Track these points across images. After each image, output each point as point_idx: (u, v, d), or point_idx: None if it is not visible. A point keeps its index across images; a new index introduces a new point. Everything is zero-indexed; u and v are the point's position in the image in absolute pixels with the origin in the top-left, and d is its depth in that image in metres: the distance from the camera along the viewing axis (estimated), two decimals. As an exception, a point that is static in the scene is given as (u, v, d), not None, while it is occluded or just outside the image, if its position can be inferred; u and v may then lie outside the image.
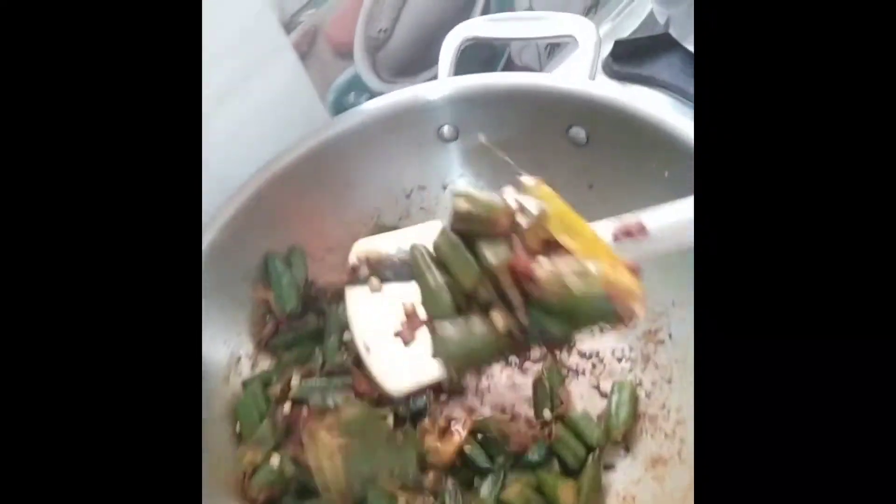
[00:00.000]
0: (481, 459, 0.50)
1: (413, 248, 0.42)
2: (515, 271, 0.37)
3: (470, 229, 0.39)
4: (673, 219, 0.37)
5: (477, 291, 0.38)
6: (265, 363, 0.54)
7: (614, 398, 0.52)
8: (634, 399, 0.52)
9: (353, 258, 0.44)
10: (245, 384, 0.52)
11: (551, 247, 0.38)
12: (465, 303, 0.39)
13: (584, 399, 0.55)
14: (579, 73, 0.53)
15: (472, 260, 0.39)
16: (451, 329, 0.39)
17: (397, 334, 0.40)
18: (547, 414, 0.53)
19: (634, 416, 0.52)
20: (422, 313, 0.40)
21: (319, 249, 0.58)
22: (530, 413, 0.54)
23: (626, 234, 0.37)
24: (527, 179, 0.41)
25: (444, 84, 0.55)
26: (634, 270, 0.38)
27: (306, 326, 0.54)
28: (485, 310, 0.38)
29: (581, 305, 0.36)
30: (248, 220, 0.52)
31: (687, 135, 0.47)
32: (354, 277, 0.43)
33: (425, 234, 0.42)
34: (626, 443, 0.52)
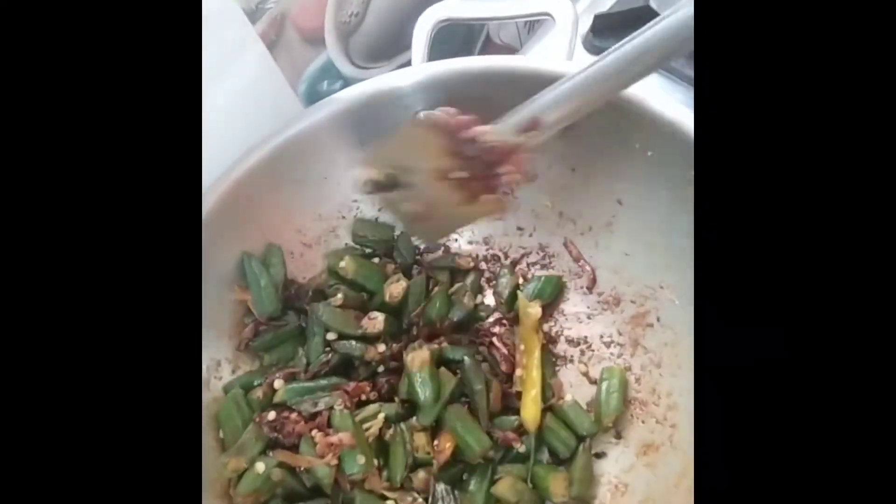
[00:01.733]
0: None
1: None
2: None
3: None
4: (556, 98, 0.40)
5: None
6: (246, 366, 0.53)
7: (604, 385, 0.52)
8: (624, 385, 0.51)
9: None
10: (226, 389, 0.51)
11: None
12: None
13: (573, 387, 0.54)
14: (557, 53, 0.51)
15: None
16: None
17: None
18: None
19: (625, 402, 0.51)
20: None
21: (297, 246, 0.56)
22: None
23: (528, 129, 0.40)
24: None
25: (416, 71, 0.53)
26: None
27: (287, 327, 0.53)
28: None
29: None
30: (221, 220, 0.50)
31: (669, 113, 0.45)
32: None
33: None
34: (617, 429, 0.51)
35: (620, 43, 0.38)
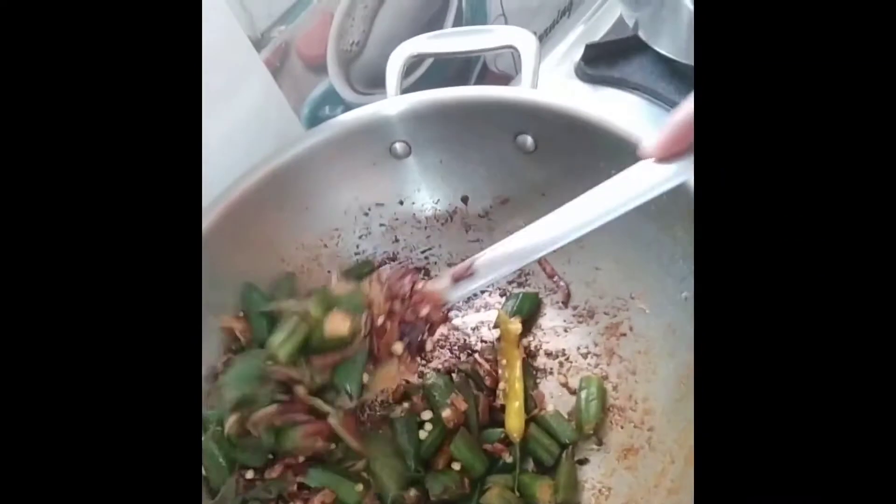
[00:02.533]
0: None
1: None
2: None
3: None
4: (492, 255, 0.43)
5: None
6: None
7: (583, 394, 0.54)
8: (602, 393, 0.54)
9: None
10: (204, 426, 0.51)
11: None
12: None
13: (554, 398, 0.56)
14: (522, 82, 0.55)
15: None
16: None
17: None
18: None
19: (604, 409, 0.53)
20: None
21: (280, 274, 0.59)
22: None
23: (459, 277, 0.43)
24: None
25: (391, 102, 0.57)
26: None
27: None
28: None
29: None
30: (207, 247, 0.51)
31: (629, 131, 0.48)
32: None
33: None
34: (598, 436, 0.53)
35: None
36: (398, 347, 0.43)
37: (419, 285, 0.43)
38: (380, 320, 0.43)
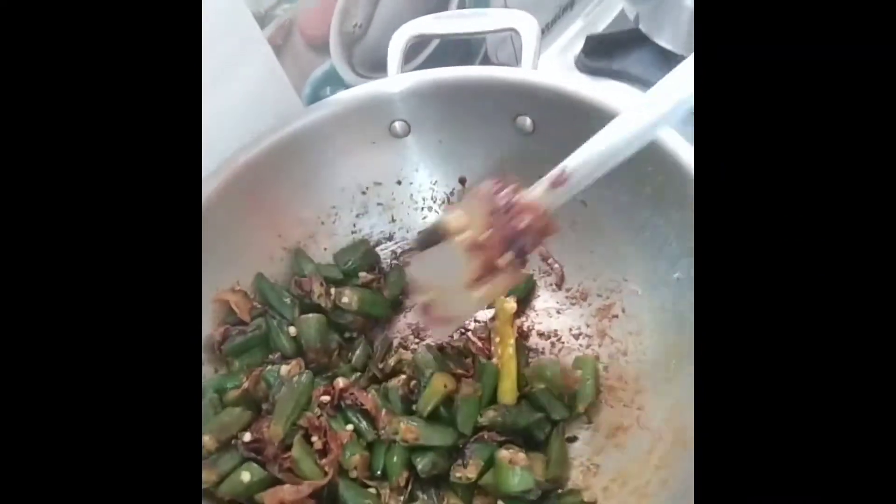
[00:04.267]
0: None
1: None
2: None
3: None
4: (582, 156, 0.41)
5: None
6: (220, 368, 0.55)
7: (578, 373, 0.54)
8: (597, 373, 0.54)
9: None
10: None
11: None
12: None
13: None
14: (523, 65, 0.55)
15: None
16: None
17: None
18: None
19: (597, 389, 0.54)
20: None
21: (277, 249, 0.60)
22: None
23: (556, 184, 0.41)
24: None
25: (392, 81, 0.57)
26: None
27: (256, 332, 0.55)
28: None
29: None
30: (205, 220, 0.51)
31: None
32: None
33: None
34: (588, 415, 0.53)
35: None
36: (506, 258, 0.42)
37: (517, 196, 0.41)
38: (484, 236, 0.41)
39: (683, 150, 0.46)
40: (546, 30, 0.88)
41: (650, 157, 0.48)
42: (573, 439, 0.53)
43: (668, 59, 0.74)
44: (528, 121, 0.55)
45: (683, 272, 0.49)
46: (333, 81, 0.68)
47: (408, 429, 0.49)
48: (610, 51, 0.78)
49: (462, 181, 0.62)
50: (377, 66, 0.70)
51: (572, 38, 0.85)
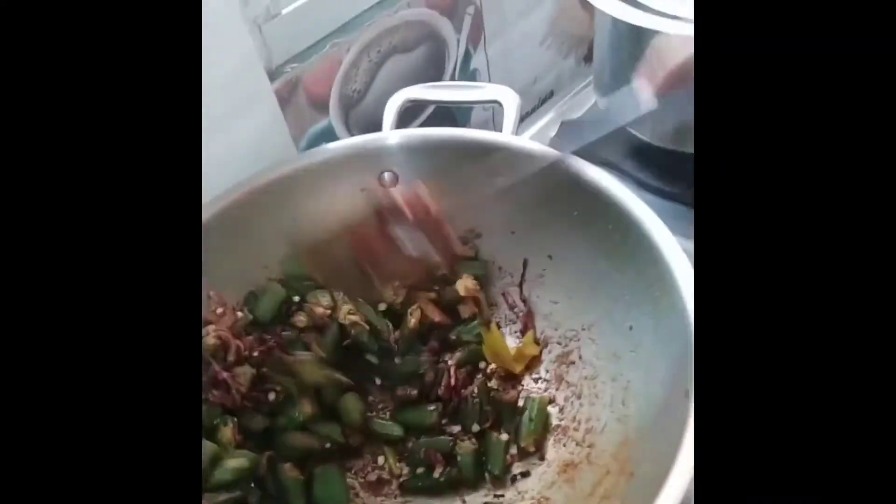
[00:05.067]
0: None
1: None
2: None
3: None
4: None
5: None
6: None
7: (525, 414, 0.58)
8: (544, 413, 0.58)
9: None
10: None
11: None
12: None
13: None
14: (504, 131, 0.63)
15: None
16: None
17: None
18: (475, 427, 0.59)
19: (545, 426, 0.58)
20: None
21: (262, 279, 0.63)
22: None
23: None
24: None
25: (385, 135, 0.64)
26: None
27: None
28: None
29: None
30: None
31: (591, 175, 0.56)
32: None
33: None
34: (541, 452, 0.57)
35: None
36: None
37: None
38: None
39: (640, 211, 0.52)
40: (526, 117, 0.96)
41: (611, 217, 0.54)
42: (526, 474, 0.57)
43: (635, 146, 0.82)
44: (505, 180, 0.61)
45: (635, 322, 0.54)
46: (330, 138, 0.74)
47: None
48: (581, 135, 0.86)
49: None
50: (369, 128, 0.77)
51: (548, 122, 0.93)
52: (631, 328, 0.54)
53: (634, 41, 0.74)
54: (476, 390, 0.59)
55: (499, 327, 0.64)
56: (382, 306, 0.62)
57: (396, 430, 0.59)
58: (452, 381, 0.60)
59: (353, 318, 0.59)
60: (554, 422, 0.58)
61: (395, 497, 0.57)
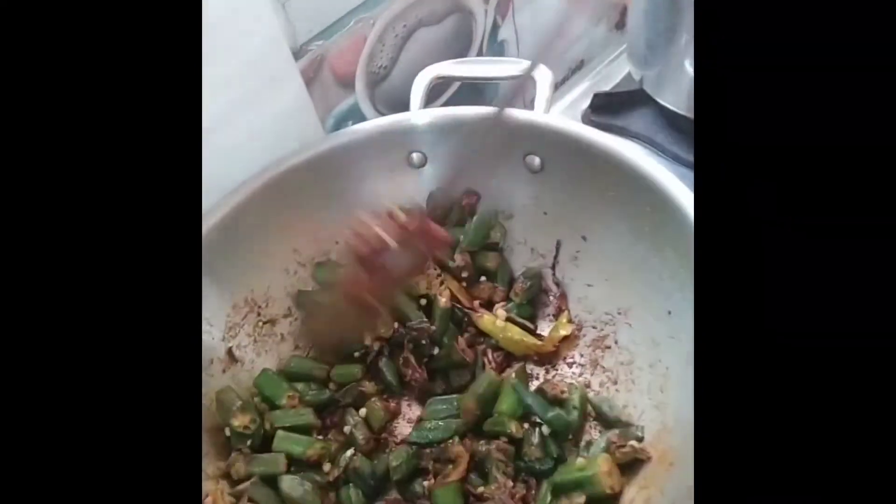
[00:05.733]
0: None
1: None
2: None
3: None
4: None
5: None
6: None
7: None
8: (584, 401, 0.57)
9: None
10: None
11: None
12: None
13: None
14: (536, 108, 0.60)
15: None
16: None
17: None
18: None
19: (584, 415, 0.56)
20: None
21: (293, 264, 0.63)
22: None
23: None
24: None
25: (414, 115, 0.62)
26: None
27: None
28: None
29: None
30: (230, 230, 0.57)
31: (626, 155, 0.53)
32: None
33: None
34: (576, 439, 0.56)
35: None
36: None
37: None
38: None
39: (680, 192, 0.50)
40: (557, 87, 0.93)
41: (649, 197, 0.52)
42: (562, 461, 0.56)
43: (669, 119, 0.79)
44: (537, 160, 0.59)
45: (675, 307, 0.52)
46: (355, 116, 0.72)
47: None
48: (615, 108, 0.83)
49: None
50: (396, 106, 0.75)
51: (580, 94, 0.90)
52: (670, 313, 0.53)
53: (671, 9, 0.71)
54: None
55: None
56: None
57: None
58: (492, 364, 0.59)
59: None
60: (588, 408, 0.57)
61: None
